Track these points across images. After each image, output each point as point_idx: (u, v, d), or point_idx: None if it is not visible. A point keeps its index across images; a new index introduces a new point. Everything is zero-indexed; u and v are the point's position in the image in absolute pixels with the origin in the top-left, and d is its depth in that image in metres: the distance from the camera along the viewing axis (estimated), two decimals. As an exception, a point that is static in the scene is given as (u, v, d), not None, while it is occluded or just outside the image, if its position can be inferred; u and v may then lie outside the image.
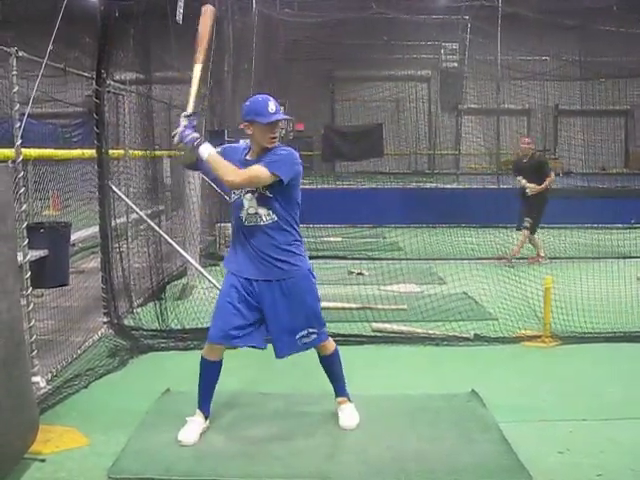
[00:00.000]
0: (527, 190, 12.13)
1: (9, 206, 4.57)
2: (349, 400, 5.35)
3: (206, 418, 5.17)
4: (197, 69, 5.10)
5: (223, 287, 5.13)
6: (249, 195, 4.90)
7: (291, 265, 5.00)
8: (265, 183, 4.82)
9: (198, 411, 5.14)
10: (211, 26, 5.33)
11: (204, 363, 5.10)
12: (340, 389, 5.34)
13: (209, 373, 5.11)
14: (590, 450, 4.91)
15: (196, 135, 4.85)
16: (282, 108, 5.14)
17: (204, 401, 5.16)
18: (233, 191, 4.99)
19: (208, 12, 5.32)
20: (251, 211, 4.93)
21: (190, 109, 4.95)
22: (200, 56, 5.16)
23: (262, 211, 4.91)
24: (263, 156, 4.87)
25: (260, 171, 4.78)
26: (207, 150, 4.83)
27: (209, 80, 12.88)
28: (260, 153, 4.91)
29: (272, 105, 4.86)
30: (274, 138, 4.90)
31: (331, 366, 5.29)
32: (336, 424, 5.23)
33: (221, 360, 5.10)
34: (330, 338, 5.28)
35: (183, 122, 4.86)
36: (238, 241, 5.05)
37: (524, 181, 12.21)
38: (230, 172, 4.80)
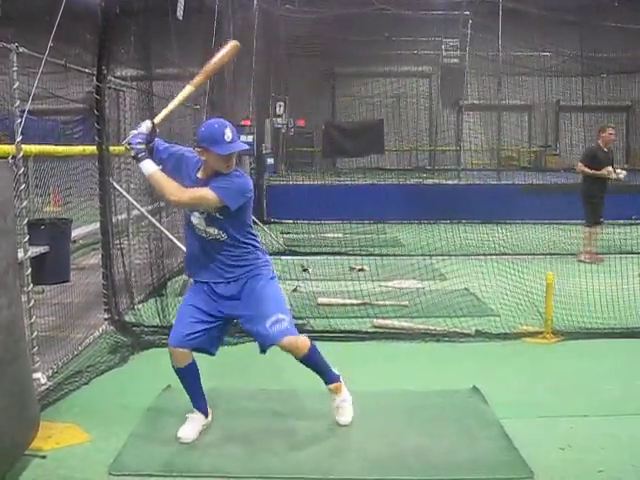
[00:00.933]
0: (620, 176, 12.05)
1: (9, 202, 4.57)
2: (340, 382, 5.20)
3: (206, 416, 5.15)
4: (188, 90, 5.05)
5: (187, 292, 5.11)
6: (197, 214, 4.80)
7: (246, 267, 4.91)
8: (210, 207, 4.68)
9: (196, 411, 5.13)
10: (229, 61, 5.35)
11: (177, 371, 5.04)
12: (329, 377, 5.17)
13: (187, 378, 5.06)
14: (591, 446, 4.91)
15: (141, 148, 4.70)
16: (240, 135, 4.97)
17: (197, 402, 5.13)
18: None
19: (233, 48, 5.27)
20: (200, 227, 4.83)
21: (157, 120, 4.88)
22: (199, 80, 5.10)
23: (211, 230, 4.81)
24: (215, 178, 4.71)
25: (208, 194, 4.63)
26: (149, 167, 4.68)
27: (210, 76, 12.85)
28: (212, 175, 4.74)
29: (229, 133, 4.66)
30: (230, 166, 4.72)
31: (313, 364, 5.10)
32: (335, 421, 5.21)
33: (193, 362, 5.01)
34: (301, 335, 5.08)
35: (142, 128, 4.76)
36: (192, 245, 4.97)
37: (620, 170, 12.15)
38: (175, 190, 4.65)
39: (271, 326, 4.83)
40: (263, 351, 4.98)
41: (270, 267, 5.04)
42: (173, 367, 5.03)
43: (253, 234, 4.97)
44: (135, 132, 4.78)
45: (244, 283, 4.89)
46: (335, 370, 5.20)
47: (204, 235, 4.83)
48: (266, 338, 4.87)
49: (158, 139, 4.98)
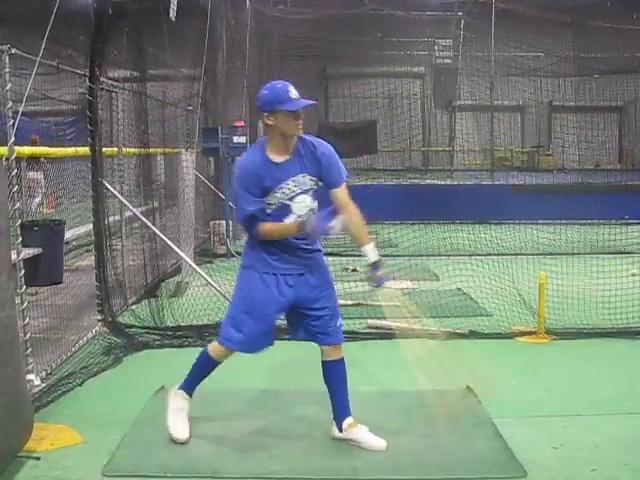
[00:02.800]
0: None
1: (3, 204, 4.56)
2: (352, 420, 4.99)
3: (190, 397, 5.06)
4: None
5: (250, 291, 4.76)
6: (301, 197, 4.62)
7: (316, 251, 4.85)
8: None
9: (181, 392, 5.04)
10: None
11: (210, 362, 4.95)
12: (344, 406, 4.95)
13: (209, 367, 5.00)
14: (585, 445, 4.92)
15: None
16: None
17: (192, 385, 5.05)
18: (269, 201, 4.60)
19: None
20: (305, 210, 4.64)
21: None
22: None
23: (314, 204, 4.71)
24: (298, 154, 4.60)
25: (344, 189, 4.69)
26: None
27: (203, 77, 12.87)
28: (288, 148, 4.60)
29: (293, 90, 4.57)
30: (299, 125, 4.59)
31: (342, 375, 4.92)
32: (332, 420, 5.19)
33: None
34: None
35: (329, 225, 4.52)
36: (274, 242, 4.69)
37: None
38: (358, 214, 4.71)
39: (339, 327, 4.89)
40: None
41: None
42: (209, 356, 4.94)
43: None
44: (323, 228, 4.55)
45: (315, 280, 4.79)
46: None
47: (309, 212, 4.69)
48: (334, 337, 4.86)
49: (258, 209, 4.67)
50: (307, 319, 4.85)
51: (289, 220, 4.64)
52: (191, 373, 5.07)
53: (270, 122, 4.57)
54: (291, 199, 4.63)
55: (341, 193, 4.69)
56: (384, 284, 4.79)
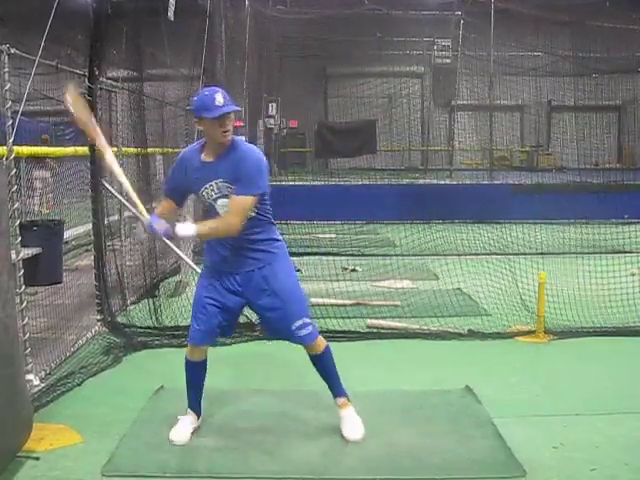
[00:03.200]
0: None
1: (3, 204, 4.56)
2: (348, 400, 5.13)
3: (198, 417, 5.14)
4: (110, 154, 4.92)
5: (200, 285, 5.00)
6: (221, 200, 4.72)
7: (267, 249, 4.87)
8: (253, 207, 4.67)
9: (189, 410, 5.12)
10: (83, 105, 5.05)
11: (189, 365, 5.03)
12: (338, 389, 5.11)
13: (195, 374, 5.05)
14: (584, 445, 4.92)
15: (164, 226, 4.62)
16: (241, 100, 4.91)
17: (194, 401, 5.12)
18: (202, 199, 4.82)
19: (70, 91, 4.97)
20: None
21: (144, 215, 4.75)
22: (95, 141, 5.03)
23: None
24: (223, 159, 4.66)
25: (247, 201, 4.60)
26: (188, 231, 4.68)
27: (202, 77, 12.86)
28: (218, 151, 4.70)
29: (220, 98, 4.61)
30: (226, 132, 4.65)
31: (326, 366, 5.06)
32: (330, 421, 5.18)
33: (206, 359, 5.04)
34: (320, 336, 5.07)
35: (144, 219, 4.71)
36: (220, 241, 4.86)
37: None
38: (225, 226, 4.64)
39: (298, 329, 4.86)
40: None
41: (287, 256, 5.04)
42: (186, 359, 5.02)
43: (270, 212, 4.92)
44: (141, 232, 4.82)
45: (264, 279, 4.83)
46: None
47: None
48: (292, 338, 4.93)
49: (167, 197, 4.98)
50: (263, 319, 5.06)
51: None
52: (186, 386, 5.12)
53: (199, 127, 4.77)
54: (215, 200, 4.76)
55: (232, 201, 4.66)
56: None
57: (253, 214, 4.73)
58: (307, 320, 4.92)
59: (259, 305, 4.92)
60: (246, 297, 4.88)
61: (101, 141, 4.96)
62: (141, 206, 4.79)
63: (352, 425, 5.04)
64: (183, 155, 4.94)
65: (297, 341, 4.96)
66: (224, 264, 4.86)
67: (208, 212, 4.88)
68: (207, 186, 4.73)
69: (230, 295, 4.87)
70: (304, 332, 4.89)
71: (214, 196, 4.74)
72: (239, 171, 4.64)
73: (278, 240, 4.96)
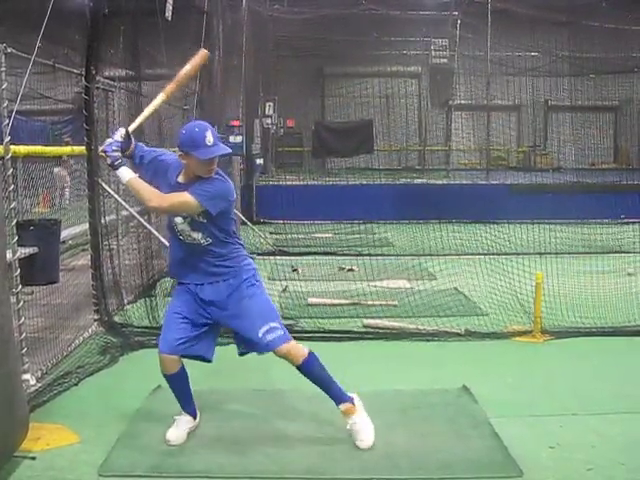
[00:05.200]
0: None
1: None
2: (353, 404, 4.99)
3: (194, 418, 5.13)
4: (160, 98, 4.97)
5: (172, 298, 5.02)
6: (180, 218, 4.71)
7: (231, 268, 4.84)
8: (191, 212, 4.62)
9: (184, 413, 5.11)
10: (199, 69, 5.28)
11: (166, 378, 4.99)
12: (336, 395, 4.99)
13: (176, 384, 5.01)
14: (581, 445, 4.92)
15: (117, 155, 4.65)
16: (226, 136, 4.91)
17: (186, 405, 5.09)
18: None
19: (203, 56, 5.24)
20: (185, 232, 4.74)
21: (131, 128, 4.82)
22: (171, 89, 5.04)
23: (195, 234, 4.73)
24: (196, 182, 4.64)
25: (188, 200, 4.55)
26: (126, 174, 4.64)
27: (199, 76, 12.86)
28: (193, 178, 4.67)
29: (210, 136, 4.58)
30: (211, 169, 4.65)
31: (313, 375, 4.94)
32: (327, 421, 5.18)
33: (182, 368, 4.96)
34: (294, 342, 4.94)
35: (117, 136, 4.72)
36: (176, 248, 4.89)
37: None
38: (154, 197, 4.61)
39: (264, 335, 4.77)
40: (258, 353, 4.95)
41: (255, 271, 4.97)
42: (162, 374, 4.98)
43: (237, 237, 4.92)
44: (110, 140, 4.74)
45: (230, 288, 4.81)
46: (349, 394, 5.03)
47: (189, 240, 4.76)
48: (258, 346, 4.84)
49: (140, 144, 4.95)
50: (234, 332, 4.98)
51: (178, 227, 4.76)
52: (174, 395, 5.10)
53: (184, 161, 4.68)
54: (175, 216, 4.75)
55: (179, 194, 4.65)
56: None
57: (209, 240, 4.73)
58: (274, 324, 4.83)
59: (226, 315, 4.86)
60: (218, 307, 4.84)
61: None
62: (139, 121, 4.93)
63: (359, 433, 4.92)
64: (173, 160, 4.85)
65: (264, 349, 4.85)
66: (191, 276, 4.85)
67: (168, 225, 4.91)
68: None
69: (197, 308, 4.85)
70: (270, 337, 4.78)
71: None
72: (199, 185, 4.62)
73: (244, 259, 4.93)
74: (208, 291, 4.83)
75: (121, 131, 4.77)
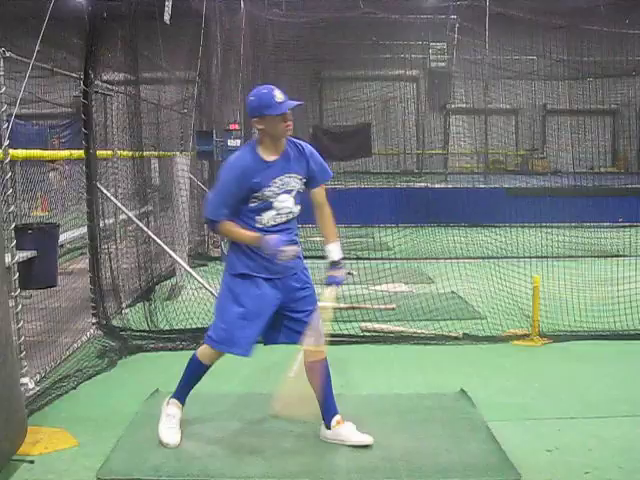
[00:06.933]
0: None
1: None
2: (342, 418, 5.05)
3: (183, 406, 5.10)
4: None
5: (244, 296, 4.82)
6: (284, 196, 4.74)
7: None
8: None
9: (174, 401, 5.07)
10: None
11: (198, 364, 4.99)
12: (332, 404, 5.02)
13: (199, 373, 5.04)
14: (578, 448, 4.93)
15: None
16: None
17: (182, 393, 5.08)
18: (257, 196, 4.70)
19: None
20: (284, 211, 4.77)
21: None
22: None
23: (296, 208, 4.86)
24: (287, 154, 4.76)
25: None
26: (338, 250, 5.00)
27: (197, 80, 12.88)
28: (279, 149, 4.74)
29: (279, 94, 4.67)
30: (289, 126, 4.72)
31: (325, 374, 4.97)
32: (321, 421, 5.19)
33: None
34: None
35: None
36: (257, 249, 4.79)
37: None
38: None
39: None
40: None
41: None
42: (200, 361, 4.98)
43: None
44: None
45: (298, 273, 4.94)
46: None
47: (289, 217, 4.85)
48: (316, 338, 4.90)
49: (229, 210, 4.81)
50: (289, 321, 4.95)
51: (267, 215, 4.76)
52: (182, 380, 5.10)
53: (260, 126, 4.70)
54: (276, 196, 4.75)
55: (319, 193, 5.00)
56: (337, 284, 4.99)
57: (297, 212, 4.92)
58: None
59: (295, 308, 4.92)
60: (285, 299, 4.89)
61: None
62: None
63: (354, 434, 4.97)
64: (237, 164, 4.75)
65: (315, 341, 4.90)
66: (272, 268, 4.79)
67: (256, 208, 4.75)
68: (271, 184, 4.72)
69: (275, 300, 4.86)
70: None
71: (277, 192, 4.74)
72: (313, 162, 4.88)
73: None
74: (281, 284, 4.88)
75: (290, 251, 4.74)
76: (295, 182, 4.80)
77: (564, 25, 21.88)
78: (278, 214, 4.77)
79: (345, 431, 4.98)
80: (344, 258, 5.19)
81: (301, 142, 4.92)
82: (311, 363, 4.91)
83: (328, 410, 5.01)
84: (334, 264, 4.98)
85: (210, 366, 5.01)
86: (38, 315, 7.27)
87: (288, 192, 4.77)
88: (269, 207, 4.75)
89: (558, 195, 16.65)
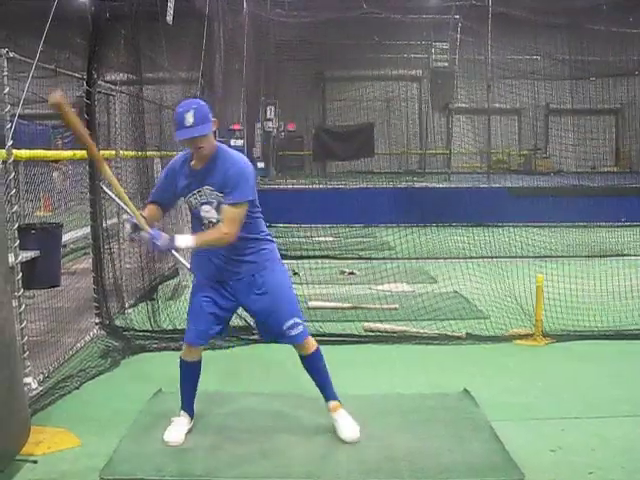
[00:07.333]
0: None
1: (0, 207, 4.57)
2: (340, 403, 5.15)
3: (191, 418, 5.16)
4: (105, 170, 4.95)
5: (195, 288, 5.07)
6: (206, 207, 4.78)
7: (260, 258, 4.95)
8: (245, 214, 4.72)
9: (183, 412, 5.14)
10: (70, 112, 4.74)
11: (184, 365, 5.09)
12: (329, 392, 5.15)
13: (190, 374, 5.10)
14: (582, 448, 4.93)
15: (166, 237, 4.67)
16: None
17: (188, 402, 5.15)
18: (189, 202, 4.85)
19: (57, 102, 4.63)
20: (211, 220, 4.80)
21: (137, 219, 4.80)
22: (91, 150, 4.97)
23: (217, 216, 4.80)
24: (211, 167, 4.72)
25: (237, 211, 4.66)
26: (186, 243, 4.75)
27: (200, 80, 12.88)
28: (204, 160, 4.74)
29: (189, 117, 4.54)
30: (199, 149, 4.67)
31: (317, 367, 5.11)
32: (327, 423, 5.17)
33: (200, 359, 5.09)
34: (310, 337, 5.13)
35: (144, 234, 4.73)
36: (209, 251, 4.91)
37: None
38: (221, 237, 4.68)
39: (288, 329, 4.92)
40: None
41: (277, 253, 5.11)
42: (181, 359, 5.09)
43: (258, 216, 4.99)
44: (139, 235, 4.82)
45: (258, 274, 4.92)
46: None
47: (211, 224, 4.84)
48: (281, 337, 5.00)
49: (153, 206, 5.04)
50: (257, 321, 5.19)
51: (202, 221, 4.86)
52: (180, 387, 5.16)
53: None
54: (200, 206, 4.83)
55: (224, 212, 4.71)
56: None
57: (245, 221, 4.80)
58: (298, 320, 4.98)
59: (252, 309, 5.03)
60: (240, 301, 4.99)
61: (94, 150, 4.99)
62: (137, 214, 4.87)
63: (347, 426, 5.06)
64: (173, 162, 4.97)
65: (287, 341, 5.02)
66: (217, 274, 4.92)
67: (194, 216, 4.96)
68: (194, 192, 4.80)
69: (224, 299, 4.95)
70: (294, 332, 4.96)
71: (200, 201, 4.81)
72: (226, 180, 4.70)
73: (269, 243, 5.05)
74: (235, 287, 4.98)
75: (127, 228, 4.86)
76: (213, 196, 4.75)
77: (567, 24, 21.90)
78: (209, 221, 4.82)
79: (337, 419, 5.10)
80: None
81: (233, 158, 4.79)
82: (301, 357, 5.09)
83: (325, 397, 5.14)
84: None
85: (194, 363, 5.06)
86: (41, 315, 7.28)
87: (209, 204, 4.79)
88: (198, 215, 4.86)
89: (561, 195, 16.66)
